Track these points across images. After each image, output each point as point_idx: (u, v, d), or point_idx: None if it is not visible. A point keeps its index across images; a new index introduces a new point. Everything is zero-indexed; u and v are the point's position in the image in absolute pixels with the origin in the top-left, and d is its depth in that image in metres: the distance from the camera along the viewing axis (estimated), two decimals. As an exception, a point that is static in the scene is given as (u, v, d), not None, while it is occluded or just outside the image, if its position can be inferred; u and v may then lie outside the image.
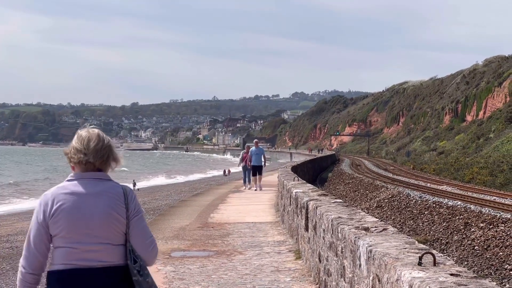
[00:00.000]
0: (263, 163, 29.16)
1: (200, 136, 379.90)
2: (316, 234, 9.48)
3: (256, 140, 31.17)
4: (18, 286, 4.04)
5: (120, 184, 4.17)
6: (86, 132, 4.14)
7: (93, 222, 3.96)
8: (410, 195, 31.43)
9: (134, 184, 62.31)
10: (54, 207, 3.95)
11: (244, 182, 30.75)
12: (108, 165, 4.14)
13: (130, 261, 4.01)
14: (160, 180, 63.68)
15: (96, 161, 4.06)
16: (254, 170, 29.16)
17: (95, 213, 3.97)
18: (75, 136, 4.15)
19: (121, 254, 4.03)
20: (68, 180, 4.08)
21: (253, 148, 29.50)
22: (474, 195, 31.75)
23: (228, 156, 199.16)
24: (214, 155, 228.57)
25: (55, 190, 4.03)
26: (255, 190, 28.92)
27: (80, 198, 3.98)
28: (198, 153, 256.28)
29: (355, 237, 6.32)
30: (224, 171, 66.26)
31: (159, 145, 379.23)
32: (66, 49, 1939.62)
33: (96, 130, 4.17)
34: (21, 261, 4.01)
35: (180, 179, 66.44)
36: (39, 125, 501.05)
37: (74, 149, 4.08)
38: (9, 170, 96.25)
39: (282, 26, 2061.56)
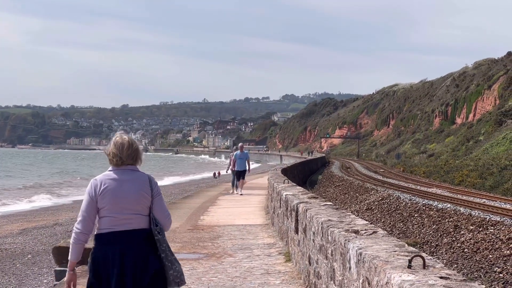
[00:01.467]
0: (247, 168, 28.45)
1: (190, 138, 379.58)
2: (306, 236, 9.48)
3: (240, 144, 30.62)
4: (72, 243, 5.59)
5: (146, 173, 5.83)
6: (120, 139, 5.76)
7: (128, 199, 5.61)
8: (400, 197, 31.48)
9: None
10: (102, 188, 5.59)
11: (233, 185, 30.05)
12: (136, 161, 5.79)
13: (153, 225, 5.66)
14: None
15: (128, 161, 5.72)
16: (238, 175, 28.64)
17: (130, 193, 5.63)
18: (112, 142, 5.77)
19: (147, 222, 5.68)
20: (110, 170, 5.74)
21: (237, 152, 28.78)
22: (464, 197, 31.82)
23: (209, 158, 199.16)
24: (202, 156, 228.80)
25: (102, 177, 5.69)
26: (237, 194, 28.52)
27: (119, 182, 5.64)
28: (184, 155, 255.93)
29: (345, 240, 6.32)
30: (214, 174, 66.27)
31: (149, 147, 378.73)
32: (56, 51, 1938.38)
33: (127, 138, 5.82)
34: (76, 225, 5.59)
35: (170, 181, 66.41)
36: (28, 127, 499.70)
37: (112, 153, 5.71)
38: (20, 172, 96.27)
39: (273, 28, 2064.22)
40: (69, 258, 5.64)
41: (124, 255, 5.52)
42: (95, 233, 5.64)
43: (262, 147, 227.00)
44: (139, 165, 5.83)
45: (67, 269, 5.69)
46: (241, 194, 28.31)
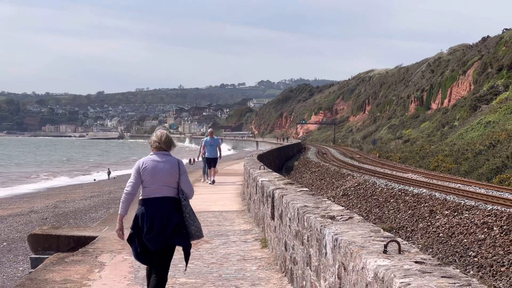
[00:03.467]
0: (218, 155, 26.74)
1: (166, 125, 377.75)
2: (282, 222, 9.49)
3: (210, 129, 28.99)
4: (122, 201, 7.70)
5: (176, 157, 7.91)
6: (160, 132, 7.90)
7: (161, 175, 7.66)
8: (376, 183, 31.61)
9: (109, 173, 62.05)
10: (143, 166, 7.71)
11: (204, 173, 28.25)
12: (170, 148, 7.92)
13: (180, 194, 7.72)
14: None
15: (164, 147, 7.82)
16: (209, 162, 26.84)
17: (163, 171, 7.68)
18: (154, 134, 7.92)
19: (175, 192, 7.73)
20: (151, 154, 7.82)
21: (207, 138, 27.03)
22: (439, 182, 32.02)
23: (187, 144, 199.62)
24: (178, 142, 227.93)
25: (145, 158, 7.81)
26: (209, 183, 26.85)
27: (156, 163, 7.71)
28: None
29: (321, 225, 6.34)
30: (190, 160, 66.04)
31: (125, 134, 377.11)
32: (30, 38, 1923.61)
33: (165, 131, 8.00)
34: (126, 188, 7.67)
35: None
36: (3, 114, 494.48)
37: (154, 141, 7.82)
38: (32, 160, 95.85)
39: (248, 15, 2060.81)
40: (119, 212, 7.75)
41: (154, 215, 7.55)
42: (139, 198, 7.72)
43: (247, 133, 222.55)
44: (172, 150, 7.97)
45: (117, 220, 7.78)
46: (212, 183, 26.88)
